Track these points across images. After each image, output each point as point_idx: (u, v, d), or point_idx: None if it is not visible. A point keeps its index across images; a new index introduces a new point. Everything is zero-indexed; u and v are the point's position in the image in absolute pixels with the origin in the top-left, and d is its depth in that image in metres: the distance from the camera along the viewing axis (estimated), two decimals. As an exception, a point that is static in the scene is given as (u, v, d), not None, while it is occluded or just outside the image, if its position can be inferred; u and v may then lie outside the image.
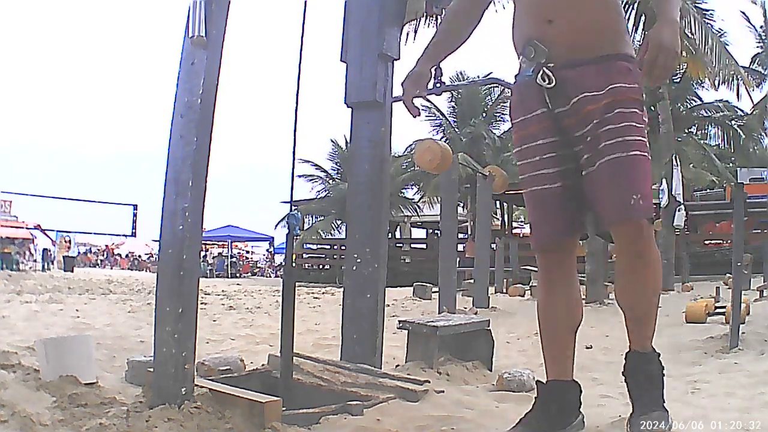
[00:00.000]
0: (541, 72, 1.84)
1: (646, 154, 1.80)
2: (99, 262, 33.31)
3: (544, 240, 1.96)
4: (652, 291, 1.87)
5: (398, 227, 27.03)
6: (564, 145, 1.87)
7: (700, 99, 18.39)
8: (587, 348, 4.94)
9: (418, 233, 30.11)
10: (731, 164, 20.68)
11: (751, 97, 15.81)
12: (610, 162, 1.75)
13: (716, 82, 13.21)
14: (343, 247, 15.59)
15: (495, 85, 14.91)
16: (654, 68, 1.68)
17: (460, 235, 14.29)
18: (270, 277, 29.32)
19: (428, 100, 18.58)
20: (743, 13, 20.09)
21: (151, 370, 2.08)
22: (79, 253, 32.99)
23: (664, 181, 12.74)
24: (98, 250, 37.91)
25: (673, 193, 12.50)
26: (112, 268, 30.78)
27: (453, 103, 22.16)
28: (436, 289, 8.75)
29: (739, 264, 4.61)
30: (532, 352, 4.82)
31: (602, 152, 1.76)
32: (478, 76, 18.90)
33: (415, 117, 2.01)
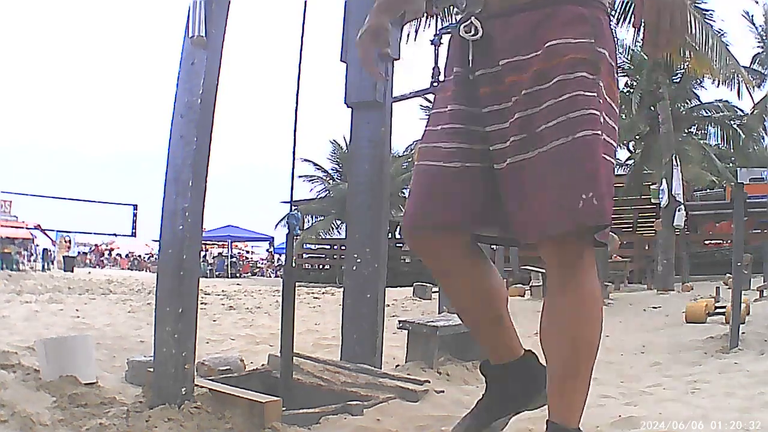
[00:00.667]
0: (467, 22, 1.44)
1: (598, 132, 1.31)
2: (89, 261, 33.18)
3: (416, 222, 1.49)
4: (583, 342, 1.38)
5: (398, 227, 27.03)
6: (477, 119, 1.43)
7: (699, 100, 18.38)
8: (587, 348, 4.94)
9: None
10: (731, 164, 20.66)
11: (752, 97, 15.81)
12: (551, 152, 1.31)
13: (717, 81, 13.21)
14: (343, 247, 15.60)
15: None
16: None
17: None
18: (270, 277, 29.31)
19: (427, 99, 18.59)
20: (746, 13, 20.09)
21: (151, 370, 2.08)
22: (79, 253, 32.99)
23: (664, 181, 12.74)
24: (91, 250, 37.77)
25: (673, 193, 12.50)
26: (103, 268, 30.73)
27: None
28: (436, 289, 8.74)
29: (739, 264, 4.61)
30: (532, 352, 4.82)
31: (540, 138, 1.32)
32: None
33: (378, 80, 1.80)
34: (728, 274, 9.53)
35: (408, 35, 10.74)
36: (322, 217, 23.15)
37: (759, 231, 16.40)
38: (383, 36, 1.64)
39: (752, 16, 20.47)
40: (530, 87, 1.34)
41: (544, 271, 11.76)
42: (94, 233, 30.02)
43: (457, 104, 1.45)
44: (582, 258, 1.37)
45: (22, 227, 25.58)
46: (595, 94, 1.33)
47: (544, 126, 1.32)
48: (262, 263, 35.14)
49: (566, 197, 1.29)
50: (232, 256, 31.42)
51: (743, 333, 4.54)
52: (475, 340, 1.76)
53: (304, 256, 25.51)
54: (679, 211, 12.49)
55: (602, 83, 1.36)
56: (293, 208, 2.52)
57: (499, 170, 1.40)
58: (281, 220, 20.15)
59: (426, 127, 1.53)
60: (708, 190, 18.58)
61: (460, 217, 1.44)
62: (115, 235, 26.64)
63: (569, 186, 1.29)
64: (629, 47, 15.69)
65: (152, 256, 33.70)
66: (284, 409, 2.01)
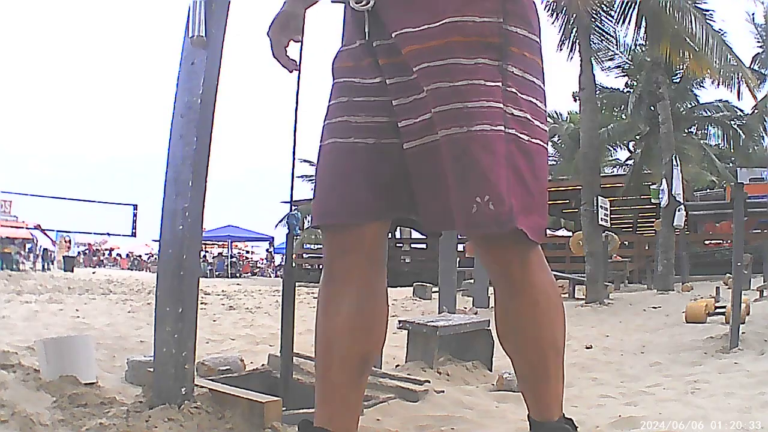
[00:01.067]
0: None
1: (499, 128, 1.16)
2: (81, 261, 33.12)
3: (330, 211, 1.31)
4: (546, 344, 1.30)
5: (398, 227, 27.03)
6: (382, 92, 1.28)
7: (698, 100, 18.40)
8: (587, 348, 4.95)
9: (418, 233, 30.07)
10: (731, 164, 20.68)
11: (755, 96, 15.81)
12: (447, 141, 1.18)
13: (717, 81, 13.21)
14: (343, 247, 15.56)
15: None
16: None
17: (460, 235, 14.27)
18: (270, 277, 29.32)
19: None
20: (748, 14, 20.10)
21: (151, 370, 2.08)
22: (78, 253, 33.00)
23: (664, 181, 12.75)
24: (86, 249, 37.67)
25: (673, 193, 12.50)
26: (93, 267, 30.73)
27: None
28: (436, 289, 8.75)
29: (739, 264, 4.61)
30: (532, 352, 4.82)
31: (441, 121, 1.19)
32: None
33: (291, 72, 1.49)
34: (728, 274, 9.53)
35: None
36: (322, 217, 23.12)
37: (759, 231, 16.42)
38: (294, 24, 1.44)
39: (753, 14, 20.50)
40: (428, 62, 1.19)
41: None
42: (94, 233, 30.03)
43: (368, 77, 1.30)
44: (526, 257, 1.23)
45: (22, 227, 25.60)
46: (499, 84, 1.18)
47: (441, 108, 1.18)
48: (262, 263, 35.15)
49: (462, 199, 1.17)
50: (232, 256, 31.44)
51: (743, 333, 4.54)
52: (316, 384, 1.37)
53: (304, 256, 25.53)
54: (679, 211, 12.49)
55: (513, 69, 1.20)
56: (293, 208, 2.52)
57: (408, 150, 1.25)
58: (281, 220, 20.17)
59: (329, 101, 1.36)
60: (708, 190, 18.60)
61: (382, 200, 1.28)
62: (108, 234, 26.63)
63: (463, 187, 1.16)
64: (629, 47, 15.69)
65: (152, 256, 33.72)
66: (284, 409, 2.01)
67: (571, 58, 11.54)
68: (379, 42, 1.28)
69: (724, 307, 6.00)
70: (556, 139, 25.01)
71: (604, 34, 12.34)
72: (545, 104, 1.29)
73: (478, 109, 1.16)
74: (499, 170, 1.15)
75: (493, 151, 1.16)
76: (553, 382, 1.32)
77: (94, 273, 21.83)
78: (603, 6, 11.39)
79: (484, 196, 1.14)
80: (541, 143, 1.25)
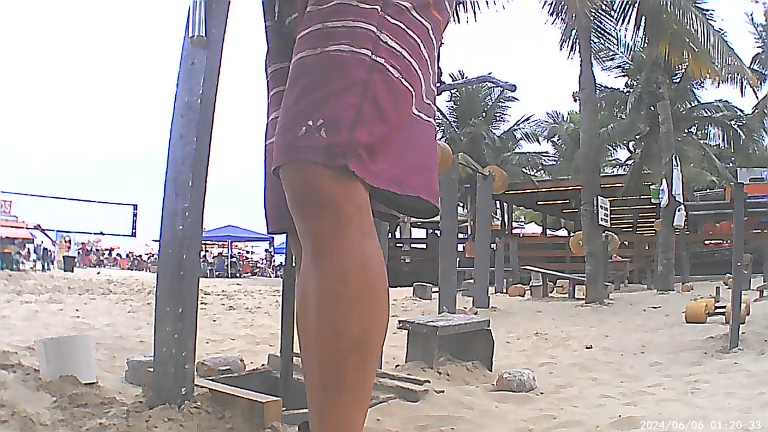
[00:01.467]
0: None
1: (364, 51, 0.97)
2: (79, 262, 33.07)
3: (268, 218, 1.23)
4: (346, 340, 0.91)
5: (398, 227, 27.05)
6: None
7: (698, 100, 18.41)
8: (587, 348, 4.95)
9: (418, 233, 30.12)
10: (731, 164, 20.70)
11: (756, 94, 15.83)
12: (294, 66, 1.00)
13: (717, 81, 13.21)
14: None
15: (485, 83, 14.90)
16: None
17: (460, 235, 14.29)
18: (270, 277, 29.33)
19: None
20: (747, 14, 20.11)
21: (151, 370, 2.08)
22: (78, 253, 32.99)
23: (664, 181, 12.75)
24: (80, 249, 37.49)
25: (673, 193, 12.51)
26: (95, 266, 30.72)
27: (453, 103, 22.16)
28: (436, 289, 8.75)
29: (739, 264, 4.61)
30: (532, 352, 4.82)
31: (297, 48, 1.02)
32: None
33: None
34: (728, 274, 9.54)
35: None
36: (322, 217, 23.13)
37: (759, 231, 16.43)
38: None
39: (752, 13, 20.50)
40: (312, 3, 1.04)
41: (544, 271, 11.80)
42: (95, 233, 30.03)
43: (278, 62, 1.20)
44: (345, 211, 0.92)
45: (22, 227, 25.60)
46: (377, 8, 0.99)
47: (304, 32, 1.01)
48: (262, 263, 35.16)
49: (289, 122, 0.96)
50: (232, 256, 31.44)
51: (743, 333, 4.54)
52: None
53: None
54: (679, 211, 12.50)
55: (401, 1, 1.03)
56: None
57: None
58: (281, 220, 20.16)
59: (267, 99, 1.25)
60: (708, 190, 18.62)
61: None
62: (101, 233, 26.62)
63: (294, 109, 0.96)
64: (629, 47, 15.70)
65: (152, 256, 33.72)
66: (284, 409, 2.01)
67: (571, 57, 11.56)
68: (291, 17, 1.16)
69: (724, 307, 6.00)
70: (556, 139, 25.03)
71: (604, 33, 12.34)
72: (432, 58, 1.11)
73: (339, 29, 0.97)
74: (347, 97, 0.94)
75: (345, 74, 0.95)
76: (347, 399, 0.93)
77: (98, 273, 21.82)
78: (603, 5, 11.39)
79: (318, 119, 0.93)
80: (413, 92, 1.03)
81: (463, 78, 18.86)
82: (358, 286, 0.92)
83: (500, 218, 22.96)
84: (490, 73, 6.55)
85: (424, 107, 1.09)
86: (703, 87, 17.42)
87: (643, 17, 11.28)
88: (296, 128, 0.94)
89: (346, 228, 0.92)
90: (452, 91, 20.19)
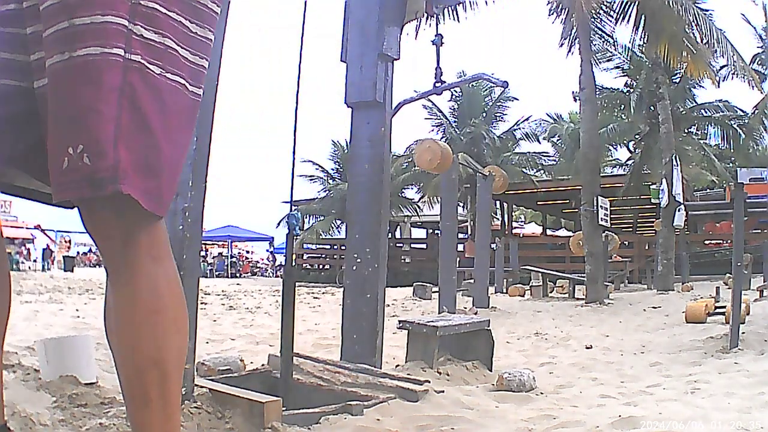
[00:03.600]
0: None
1: (116, 51, 0.87)
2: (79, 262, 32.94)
3: None
4: (144, 359, 0.95)
5: (398, 227, 27.04)
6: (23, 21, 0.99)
7: (697, 100, 18.41)
8: (587, 348, 4.95)
9: (418, 233, 30.12)
10: (731, 164, 20.70)
11: (761, 90, 15.81)
12: (50, 74, 0.90)
13: (717, 81, 13.20)
14: (343, 247, 15.62)
15: (480, 81, 14.86)
16: None
17: (460, 235, 14.30)
18: (270, 276, 29.34)
19: (429, 100, 18.59)
20: (743, 16, 20.10)
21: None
22: (78, 253, 32.99)
23: (664, 181, 12.75)
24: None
25: (673, 193, 12.50)
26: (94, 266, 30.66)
27: (453, 103, 22.17)
28: (436, 289, 8.75)
29: (739, 264, 4.61)
30: (532, 352, 4.82)
31: (47, 50, 0.90)
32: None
33: None
34: (728, 274, 9.54)
35: (408, 35, 10.74)
36: (322, 217, 23.17)
37: (759, 231, 16.43)
38: None
39: (749, 18, 20.48)
40: None
41: (544, 271, 11.80)
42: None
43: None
44: (133, 234, 0.92)
45: (22, 227, 25.60)
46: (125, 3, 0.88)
47: (49, 31, 0.90)
48: (262, 263, 35.17)
49: (53, 150, 0.88)
50: (232, 256, 31.43)
51: (743, 333, 4.54)
52: None
53: (304, 256, 25.54)
54: (679, 211, 12.49)
55: None
56: (293, 208, 2.53)
57: (38, 91, 0.96)
58: (281, 220, 20.18)
59: None
60: (708, 190, 18.61)
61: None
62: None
63: (55, 133, 0.88)
64: (628, 47, 15.70)
65: (152, 256, 33.63)
66: (284, 409, 2.01)
67: (572, 52, 11.55)
68: None
69: (724, 307, 6.00)
70: (556, 139, 25.02)
71: (604, 33, 12.32)
72: (212, 31, 1.02)
73: (87, 26, 0.86)
74: (103, 109, 0.85)
75: (98, 82, 0.85)
76: (156, 414, 0.96)
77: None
78: (603, 5, 11.39)
79: (77, 145, 0.84)
80: (185, 83, 0.96)
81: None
82: (149, 308, 0.95)
83: (500, 218, 22.96)
84: (492, 74, 6.56)
85: (199, 84, 1.02)
86: (702, 87, 17.42)
87: (643, 16, 11.28)
88: (60, 160, 0.86)
89: (134, 255, 0.93)
90: (452, 91, 20.18)
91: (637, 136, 18.53)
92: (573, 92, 14.03)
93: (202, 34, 1.00)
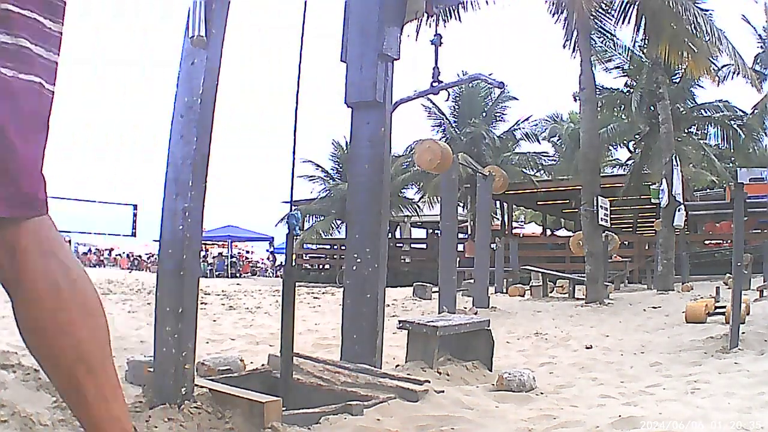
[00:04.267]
0: None
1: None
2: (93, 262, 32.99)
3: None
4: (66, 354, 0.96)
5: (398, 227, 27.04)
6: None
7: (695, 101, 18.40)
8: (587, 348, 4.95)
9: (418, 233, 30.11)
10: (731, 164, 20.70)
11: (759, 90, 15.81)
12: None
13: (717, 81, 13.18)
14: (343, 247, 15.61)
15: (477, 81, 14.85)
16: None
17: (460, 235, 14.29)
18: (270, 276, 29.33)
19: (429, 100, 18.59)
20: (743, 16, 20.10)
21: (151, 370, 2.08)
22: (78, 253, 32.98)
23: (664, 181, 12.74)
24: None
25: (673, 193, 12.50)
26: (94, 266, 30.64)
27: (453, 103, 22.15)
28: (436, 289, 8.74)
29: (739, 264, 4.61)
30: (532, 352, 4.82)
31: None
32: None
33: None
34: (728, 274, 9.54)
35: (408, 35, 10.72)
36: (322, 217, 23.16)
37: (759, 231, 16.42)
38: None
39: (749, 18, 20.48)
40: None
41: (544, 271, 11.79)
42: (95, 233, 30.00)
43: None
44: (13, 241, 0.91)
45: (22, 227, 25.53)
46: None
47: None
48: (262, 263, 35.17)
49: None
50: (232, 256, 31.42)
51: (743, 333, 4.54)
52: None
53: (304, 256, 25.54)
54: (679, 211, 12.48)
55: None
56: (293, 208, 2.52)
57: None
58: (281, 220, 20.19)
59: None
60: (708, 190, 18.60)
61: None
62: (92, 233, 26.57)
63: None
64: (629, 48, 15.70)
65: (152, 256, 33.69)
66: (284, 409, 2.01)
67: (576, 53, 11.54)
68: None
69: (724, 307, 6.00)
70: (556, 139, 25.02)
71: (604, 33, 12.30)
72: (63, 24, 0.97)
73: None
74: None
75: None
76: (95, 409, 0.97)
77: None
78: (603, 5, 11.39)
79: None
80: (41, 81, 0.93)
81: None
82: (53, 307, 0.94)
83: (500, 218, 22.95)
84: (491, 74, 6.56)
85: (54, 81, 0.97)
86: (702, 87, 17.42)
87: (643, 16, 11.27)
88: None
89: (21, 257, 0.91)
90: (452, 91, 20.18)
91: (637, 136, 18.54)
92: (573, 92, 14.04)
93: (56, 29, 0.95)
